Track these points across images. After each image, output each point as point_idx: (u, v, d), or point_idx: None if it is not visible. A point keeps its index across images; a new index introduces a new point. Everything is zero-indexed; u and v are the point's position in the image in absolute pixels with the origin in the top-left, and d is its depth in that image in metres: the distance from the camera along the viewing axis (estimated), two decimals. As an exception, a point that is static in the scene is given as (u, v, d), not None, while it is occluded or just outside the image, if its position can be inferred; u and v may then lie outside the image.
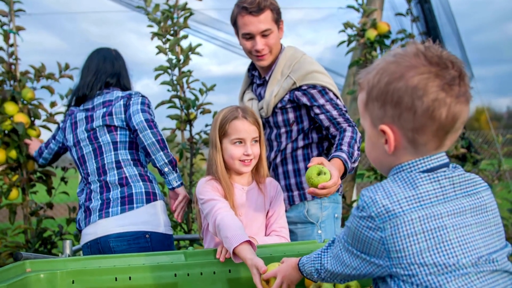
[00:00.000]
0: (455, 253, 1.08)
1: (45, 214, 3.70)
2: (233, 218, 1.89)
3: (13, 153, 3.34)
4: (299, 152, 2.46)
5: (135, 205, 2.34)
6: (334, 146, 2.23)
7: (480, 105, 4.89)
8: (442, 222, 1.09)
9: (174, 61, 3.76)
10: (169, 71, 3.78)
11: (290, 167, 2.46)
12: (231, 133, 2.09)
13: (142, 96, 2.55)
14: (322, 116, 2.33)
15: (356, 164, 2.23)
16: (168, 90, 3.84)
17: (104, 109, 2.51)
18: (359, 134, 2.28)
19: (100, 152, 2.47)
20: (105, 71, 2.65)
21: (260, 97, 2.55)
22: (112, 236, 2.29)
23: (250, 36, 2.39)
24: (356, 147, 2.21)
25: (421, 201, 1.10)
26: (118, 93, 2.58)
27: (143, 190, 2.39)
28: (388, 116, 1.15)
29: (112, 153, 2.45)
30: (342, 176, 2.10)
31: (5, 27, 3.49)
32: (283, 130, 2.46)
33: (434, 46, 1.14)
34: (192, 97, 3.89)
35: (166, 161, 2.36)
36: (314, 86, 2.36)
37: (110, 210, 2.33)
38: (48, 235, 3.62)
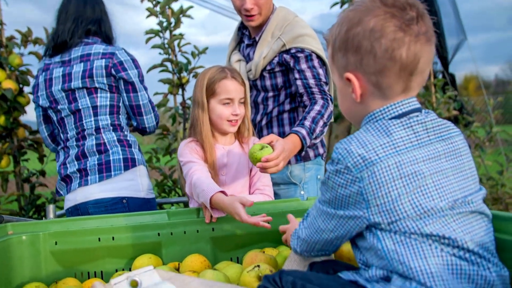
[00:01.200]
0: (432, 197, 1.08)
1: (38, 181, 3.69)
2: (207, 177, 1.88)
3: (2, 120, 3.30)
4: (285, 115, 2.41)
5: (112, 173, 2.29)
6: (299, 119, 2.18)
7: (468, 73, 4.84)
8: (418, 167, 1.08)
9: (165, 24, 3.69)
10: (161, 34, 3.71)
11: (275, 130, 2.41)
12: (220, 92, 2.05)
13: (133, 60, 2.42)
14: (299, 82, 2.27)
15: (318, 140, 2.19)
16: (160, 53, 3.78)
17: (82, 65, 2.37)
18: (329, 109, 2.22)
19: (79, 117, 2.36)
20: (86, 16, 2.44)
21: (248, 58, 2.47)
22: (90, 202, 2.27)
23: None
24: (321, 123, 2.15)
25: (396, 147, 1.09)
26: (98, 47, 2.40)
27: (121, 156, 2.33)
28: (351, 63, 1.15)
29: (92, 118, 2.36)
30: (299, 152, 2.09)
31: None
32: (270, 94, 2.40)
33: None
34: (184, 61, 3.83)
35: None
36: (302, 50, 2.29)
37: (89, 178, 2.29)
38: (41, 202, 3.62)
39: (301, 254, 1.39)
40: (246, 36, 2.51)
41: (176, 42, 3.77)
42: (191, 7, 3.74)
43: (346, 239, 1.20)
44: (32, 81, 2.95)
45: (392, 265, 1.08)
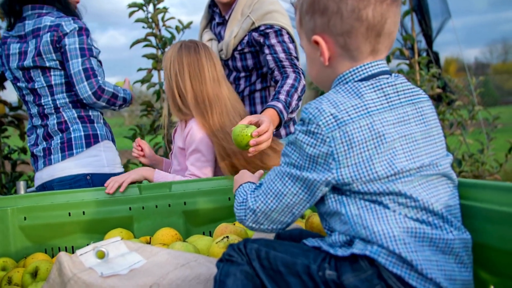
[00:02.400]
0: (401, 159, 1.07)
1: (20, 158, 3.64)
2: None
3: None
4: (257, 94, 2.37)
5: (74, 151, 2.24)
6: (273, 94, 2.09)
7: (449, 56, 4.83)
8: (389, 129, 1.08)
9: None
10: (144, 8, 3.64)
11: (247, 108, 2.36)
12: None
13: (79, 30, 2.23)
14: (269, 57, 2.20)
15: (294, 115, 2.13)
16: (143, 27, 3.71)
17: (34, 42, 2.24)
18: (302, 82, 2.14)
19: (38, 96, 2.29)
20: None
21: (219, 37, 2.41)
22: (55, 180, 2.22)
23: None
24: (295, 97, 2.09)
25: (368, 108, 1.08)
26: (48, 19, 2.24)
27: (82, 133, 2.27)
28: (318, 26, 1.13)
29: (49, 98, 2.28)
30: (277, 127, 2.00)
31: None
32: (242, 74, 2.35)
33: None
34: (169, 36, 3.77)
35: (117, 108, 2.36)
36: (271, 26, 2.23)
37: (52, 157, 2.24)
38: (24, 179, 3.57)
39: (252, 227, 1.24)
40: (217, 14, 2.45)
41: (160, 17, 3.70)
42: None
43: (307, 206, 1.14)
44: None
45: (355, 229, 1.06)
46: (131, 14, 3.67)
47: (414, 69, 4.57)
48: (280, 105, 2.00)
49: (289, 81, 2.12)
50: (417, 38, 4.66)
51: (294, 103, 2.08)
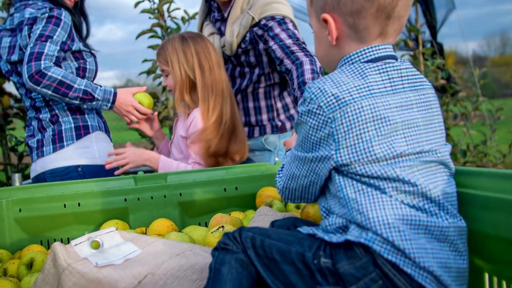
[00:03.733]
0: (401, 144, 1.06)
1: (26, 150, 3.63)
2: None
3: None
4: (261, 90, 2.33)
5: (65, 143, 2.21)
6: (297, 85, 1.96)
7: (447, 49, 4.78)
8: (391, 113, 1.06)
9: None
10: None
11: (250, 104, 2.34)
12: None
13: (48, 17, 2.11)
14: (275, 46, 2.08)
15: None
16: (150, 18, 3.67)
17: (20, 35, 2.19)
18: (318, 64, 2.01)
19: (28, 90, 2.25)
20: None
21: (220, 32, 2.35)
22: (47, 172, 2.21)
23: None
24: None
25: (371, 89, 1.07)
26: (28, 11, 2.17)
27: (72, 125, 2.23)
28: (328, 4, 1.12)
29: None
30: None
31: None
32: (246, 69, 2.31)
33: None
34: (174, 26, 3.74)
35: (78, 102, 2.09)
36: (273, 18, 2.14)
37: (44, 149, 2.22)
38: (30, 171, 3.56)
39: (287, 200, 1.32)
40: (215, 8, 2.37)
41: (165, 7, 3.67)
42: None
43: (319, 185, 1.16)
44: None
45: (352, 214, 1.05)
46: (136, 4, 3.64)
47: (418, 60, 4.53)
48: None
49: (306, 66, 1.98)
50: (421, 29, 4.62)
51: None
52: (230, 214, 1.68)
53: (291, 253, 1.08)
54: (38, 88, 2.02)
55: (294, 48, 2.06)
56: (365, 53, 1.12)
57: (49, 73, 2.01)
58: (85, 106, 2.14)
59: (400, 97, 1.10)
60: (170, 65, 2.09)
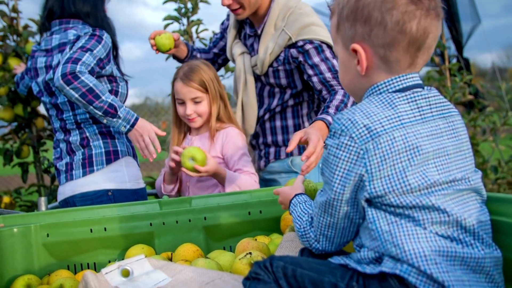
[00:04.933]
0: (434, 172, 1.04)
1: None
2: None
3: (20, 110, 3.20)
4: (289, 109, 2.28)
5: (95, 168, 2.21)
6: (322, 108, 2.02)
7: (467, 58, 4.68)
8: (422, 142, 1.04)
9: (183, 10, 3.59)
10: (180, 20, 3.61)
11: (278, 123, 2.29)
12: (174, 92, 2.15)
13: (91, 34, 2.16)
14: (315, 79, 2.10)
15: None
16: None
17: (60, 56, 2.22)
18: (352, 99, 2.04)
19: (60, 111, 2.26)
20: None
21: (251, 49, 2.29)
22: (77, 196, 2.20)
23: None
24: None
25: (401, 120, 1.04)
26: (72, 33, 2.21)
27: (103, 150, 2.23)
28: (359, 34, 1.09)
29: (71, 113, 2.25)
30: None
31: None
32: (276, 89, 2.26)
33: None
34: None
35: (101, 113, 2.01)
36: (311, 42, 2.10)
37: (74, 172, 2.22)
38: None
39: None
40: (247, 25, 2.31)
41: (194, 28, 3.68)
42: None
43: (357, 218, 1.11)
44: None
45: (385, 246, 1.02)
46: (166, 26, 3.65)
47: (445, 76, 4.43)
48: (329, 118, 1.93)
49: (338, 96, 2.04)
50: (446, 44, 4.53)
51: None
52: (255, 239, 1.64)
53: (324, 283, 1.06)
54: (67, 88, 1.97)
55: (333, 82, 2.10)
56: (393, 83, 1.10)
57: (82, 77, 1.98)
58: (104, 121, 2.06)
59: (430, 126, 1.07)
60: (208, 89, 2.12)
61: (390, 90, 1.09)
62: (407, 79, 1.09)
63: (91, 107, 2.00)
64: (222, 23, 2.51)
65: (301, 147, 2.26)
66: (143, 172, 2.48)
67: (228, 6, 2.13)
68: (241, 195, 1.78)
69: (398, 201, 1.02)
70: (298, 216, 1.28)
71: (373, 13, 1.05)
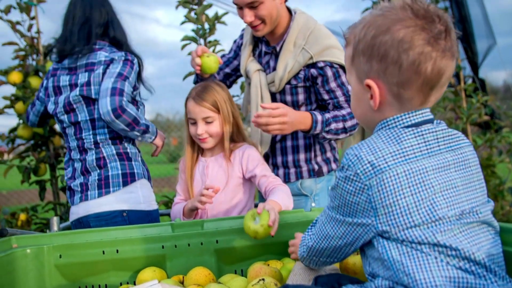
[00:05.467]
0: (441, 206, 1.03)
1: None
2: (179, 204, 2.12)
3: (39, 128, 3.22)
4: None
5: (111, 189, 2.21)
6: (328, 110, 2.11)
7: (483, 78, 4.63)
8: (427, 176, 1.04)
9: (200, 31, 3.60)
10: (197, 41, 3.62)
11: (288, 143, 2.26)
12: (187, 111, 2.10)
13: (125, 59, 2.25)
14: (330, 102, 2.15)
15: (330, 136, 2.08)
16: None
17: (86, 75, 2.24)
18: (355, 120, 2.09)
19: (79, 130, 2.28)
20: (93, 20, 2.29)
21: (267, 67, 2.27)
22: (91, 216, 2.19)
23: (239, 7, 2.12)
24: (339, 124, 2.07)
25: (406, 155, 1.05)
26: (102, 54, 2.26)
27: (120, 172, 2.23)
28: (374, 71, 1.09)
29: (91, 132, 2.26)
30: (306, 132, 2.05)
31: (25, 0, 3.35)
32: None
33: (421, 0, 1.08)
34: None
35: (139, 134, 2.24)
36: (331, 65, 2.11)
37: (89, 193, 2.21)
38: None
39: (310, 262, 1.33)
40: (264, 43, 2.30)
41: (211, 49, 3.68)
42: (226, 13, 3.63)
43: (355, 247, 1.15)
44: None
45: (398, 276, 1.01)
46: (183, 47, 3.66)
47: (460, 97, 4.39)
48: (319, 117, 2.01)
49: (342, 111, 2.11)
50: (461, 64, 4.50)
51: (334, 126, 2.05)
52: (268, 264, 1.62)
53: None
54: (116, 121, 2.12)
55: (345, 104, 2.15)
56: (403, 119, 1.09)
57: (128, 109, 2.14)
58: (139, 139, 2.29)
59: (436, 159, 1.07)
60: (219, 110, 2.06)
61: (399, 126, 1.09)
62: (417, 115, 1.09)
63: (132, 132, 2.21)
64: (235, 41, 2.51)
65: (311, 170, 2.24)
66: (154, 188, 2.48)
67: (251, 23, 2.13)
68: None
69: (404, 236, 1.02)
70: (300, 243, 1.34)
71: (389, 51, 1.05)
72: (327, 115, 2.05)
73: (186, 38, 3.61)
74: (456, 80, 4.44)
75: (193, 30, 3.60)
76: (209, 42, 3.61)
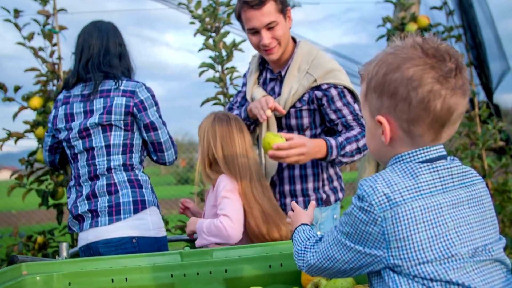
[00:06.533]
0: (454, 243, 1.03)
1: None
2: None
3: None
4: None
5: (122, 216, 2.19)
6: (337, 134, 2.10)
7: (485, 100, 4.56)
8: (441, 212, 1.04)
9: (217, 58, 3.62)
10: (217, 68, 3.63)
11: (296, 172, 2.24)
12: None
13: (152, 96, 2.35)
14: (338, 122, 2.15)
15: (346, 159, 2.06)
16: (215, 87, 3.68)
17: (102, 101, 2.26)
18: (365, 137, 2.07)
19: (92, 156, 2.27)
20: (107, 51, 2.36)
21: (272, 93, 2.29)
22: (100, 242, 2.17)
23: (255, 31, 2.15)
24: (354, 146, 2.06)
25: (421, 190, 1.05)
26: (122, 83, 2.30)
27: (131, 199, 2.22)
28: (385, 107, 1.10)
29: (105, 158, 2.26)
30: (322, 159, 2.03)
31: (48, 27, 3.40)
32: (295, 133, 2.22)
33: (433, 38, 1.10)
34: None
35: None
36: (335, 86, 2.15)
37: (99, 219, 2.20)
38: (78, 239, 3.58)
39: (308, 273, 1.30)
40: (269, 70, 2.34)
41: (228, 76, 3.69)
42: (243, 40, 3.64)
43: (359, 272, 1.13)
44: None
45: None
46: (201, 73, 3.67)
47: (475, 123, 4.32)
48: (333, 142, 2.00)
49: (353, 132, 2.10)
50: (475, 90, 4.44)
51: (349, 148, 2.03)
52: (276, 295, 1.58)
53: None
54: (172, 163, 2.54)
55: (353, 123, 2.15)
56: (417, 155, 1.10)
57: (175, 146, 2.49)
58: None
59: (451, 196, 1.07)
60: (200, 140, 2.16)
61: (414, 161, 1.09)
62: (431, 151, 1.10)
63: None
64: (244, 75, 2.53)
65: (319, 199, 2.21)
66: (163, 210, 2.51)
67: (268, 44, 2.17)
68: (262, 248, 1.73)
69: (416, 272, 1.00)
70: (304, 237, 1.31)
71: (399, 89, 1.06)
72: (340, 139, 2.05)
73: (204, 65, 3.62)
74: (470, 105, 4.37)
75: (210, 57, 3.61)
76: (226, 68, 3.62)
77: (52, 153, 2.54)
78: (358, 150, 2.08)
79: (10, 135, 3.37)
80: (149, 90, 2.36)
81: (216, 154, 2.08)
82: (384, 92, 1.09)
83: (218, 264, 1.70)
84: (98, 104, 2.27)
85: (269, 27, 2.13)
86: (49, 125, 2.43)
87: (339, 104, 2.15)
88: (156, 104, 2.36)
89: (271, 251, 1.69)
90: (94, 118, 2.25)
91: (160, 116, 2.36)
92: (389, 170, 1.11)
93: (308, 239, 1.29)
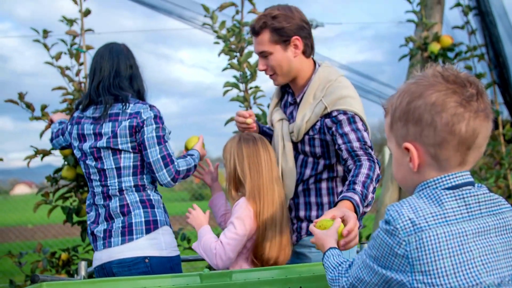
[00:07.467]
0: (479, 272, 1.03)
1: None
2: None
3: (80, 169, 3.18)
4: (323, 185, 2.17)
5: (134, 236, 2.18)
6: (347, 183, 1.88)
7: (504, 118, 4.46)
8: (467, 240, 1.04)
9: (240, 78, 3.62)
10: (240, 87, 3.63)
11: (313, 199, 2.18)
12: None
13: (155, 116, 2.27)
14: (343, 147, 1.99)
15: (369, 209, 1.88)
16: (240, 106, 3.68)
17: (111, 125, 2.26)
18: (377, 171, 1.92)
19: (104, 176, 2.27)
20: (119, 73, 2.34)
21: (290, 117, 2.26)
22: (114, 262, 2.16)
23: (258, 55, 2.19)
24: (371, 189, 1.86)
25: (447, 217, 1.06)
26: (129, 106, 2.28)
27: (143, 219, 2.21)
28: (411, 134, 1.12)
29: (116, 180, 2.25)
30: None
31: (75, 47, 3.44)
32: (310, 159, 2.18)
33: (452, 67, 1.12)
34: (260, 112, 3.74)
35: (191, 173, 2.39)
36: (344, 112, 2.04)
37: (112, 240, 2.19)
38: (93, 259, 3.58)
39: None
40: (290, 94, 2.30)
41: (252, 95, 3.69)
42: None
43: None
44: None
45: None
46: (225, 93, 3.68)
47: (499, 142, 4.23)
48: (357, 198, 1.79)
49: (364, 170, 1.90)
50: (499, 109, 4.35)
51: (370, 196, 1.86)
52: (294, 319, 1.54)
53: None
54: (175, 183, 2.29)
55: (360, 152, 1.98)
56: (443, 181, 1.10)
57: (180, 169, 2.27)
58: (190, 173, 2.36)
59: (477, 223, 1.07)
60: (225, 161, 2.14)
61: (439, 188, 1.10)
62: (457, 177, 1.10)
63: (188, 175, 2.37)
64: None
65: None
66: (176, 226, 2.48)
67: (264, 71, 2.16)
68: (281, 270, 1.71)
69: None
70: (336, 263, 1.32)
71: (423, 114, 1.08)
72: (358, 188, 1.84)
73: (228, 84, 3.63)
74: (494, 124, 4.28)
75: (234, 77, 3.62)
76: (250, 88, 3.62)
77: (61, 146, 2.63)
78: (374, 190, 1.92)
79: (37, 152, 3.41)
80: (153, 110, 2.29)
81: (243, 176, 2.08)
82: (409, 119, 1.11)
83: (237, 286, 1.68)
84: (106, 127, 2.28)
85: (263, 55, 2.14)
86: (67, 136, 2.49)
87: (347, 128, 2.02)
88: (157, 123, 2.27)
89: (290, 274, 1.67)
90: (103, 142, 2.27)
91: (158, 136, 2.26)
92: (415, 196, 1.12)
93: (340, 264, 1.31)
